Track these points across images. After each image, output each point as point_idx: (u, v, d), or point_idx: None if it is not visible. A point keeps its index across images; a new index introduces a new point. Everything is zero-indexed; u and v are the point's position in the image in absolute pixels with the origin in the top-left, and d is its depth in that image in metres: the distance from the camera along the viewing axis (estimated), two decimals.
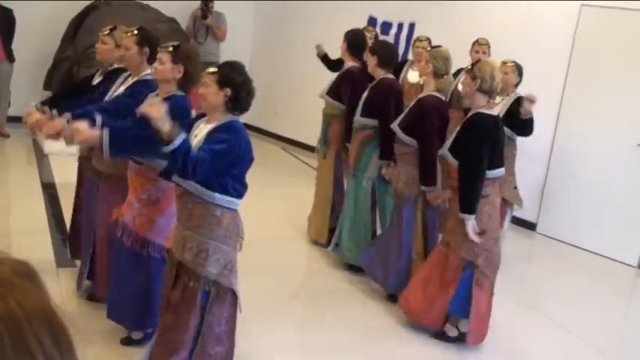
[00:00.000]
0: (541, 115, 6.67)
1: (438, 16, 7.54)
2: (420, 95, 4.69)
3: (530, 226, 6.95)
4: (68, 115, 3.50)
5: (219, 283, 3.18)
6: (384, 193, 5.17)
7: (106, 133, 3.18)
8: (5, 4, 8.05)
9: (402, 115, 4.70)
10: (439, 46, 4.77)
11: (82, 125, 3.17)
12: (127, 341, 3.91)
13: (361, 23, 7.94)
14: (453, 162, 4.10)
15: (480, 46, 6.16)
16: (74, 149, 4.52)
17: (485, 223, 4.09)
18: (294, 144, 9.41)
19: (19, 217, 5.72)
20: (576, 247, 6.55)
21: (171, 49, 3.51)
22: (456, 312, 4.31)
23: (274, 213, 6.50)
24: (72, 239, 4.68)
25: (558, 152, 6.74)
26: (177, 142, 2.86)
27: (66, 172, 5.71)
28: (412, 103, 4.72)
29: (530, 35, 6.78)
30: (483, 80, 4.01)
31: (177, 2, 9.19)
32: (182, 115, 3.31)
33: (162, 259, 3.59)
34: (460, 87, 6.36)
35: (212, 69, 3.12)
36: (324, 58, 6.59)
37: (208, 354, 3.26)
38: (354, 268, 5.27)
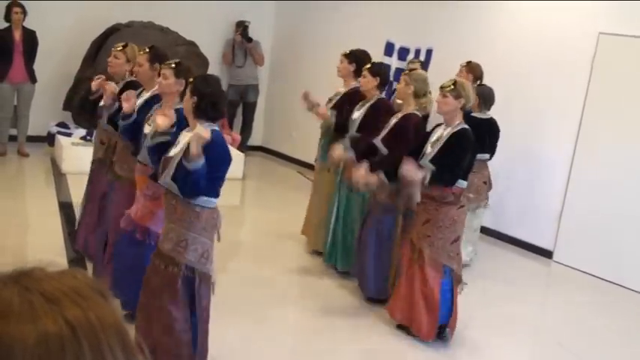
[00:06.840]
0: (559, 141, 6.65)
1: (455, 42, 7.56)
2: (401, 114, 4.96)
3: (547, 254, 6.88)
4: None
5: (197, 269, 3.51)
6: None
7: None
8: (28, 25, 8.18)
9: (384, 132, 4.94)
10: (415, 69, 5.39)
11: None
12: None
13: (379, 49, 7.99)
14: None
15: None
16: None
17: (459, 229, 4.42)
18: (310, 167, 9.41)
19: (36, 236, 5.76)
20: (593, 275, 6.46)
21: (173, 65, 3.95)
22: (444, 320, 4.46)
23: (287, 232, 6.48)
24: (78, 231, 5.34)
25: (575, 179, 6.68)
26: (199, 164, 3.23)
27: (83, 192, 5.76)
28: (394, 120, 4.96)
29: (548, 63, 6.77)
30: (467, 99, 4.35)
31: (196, 26, 9.29)
32: (183, 124, 3.75)
33: (156, 245, 3.95)
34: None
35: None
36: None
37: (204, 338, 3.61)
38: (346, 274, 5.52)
